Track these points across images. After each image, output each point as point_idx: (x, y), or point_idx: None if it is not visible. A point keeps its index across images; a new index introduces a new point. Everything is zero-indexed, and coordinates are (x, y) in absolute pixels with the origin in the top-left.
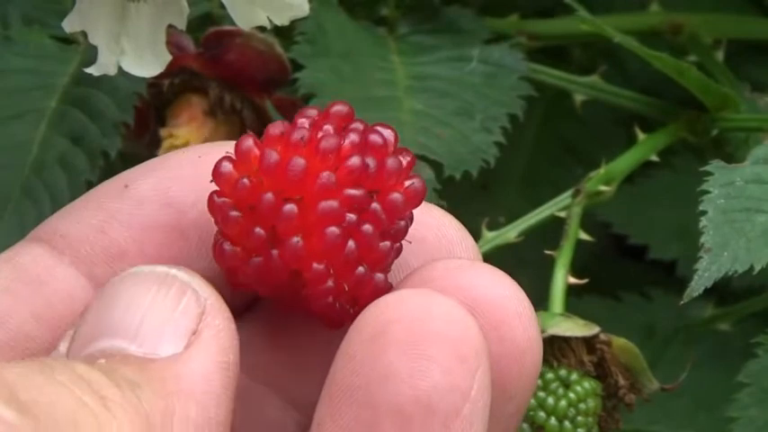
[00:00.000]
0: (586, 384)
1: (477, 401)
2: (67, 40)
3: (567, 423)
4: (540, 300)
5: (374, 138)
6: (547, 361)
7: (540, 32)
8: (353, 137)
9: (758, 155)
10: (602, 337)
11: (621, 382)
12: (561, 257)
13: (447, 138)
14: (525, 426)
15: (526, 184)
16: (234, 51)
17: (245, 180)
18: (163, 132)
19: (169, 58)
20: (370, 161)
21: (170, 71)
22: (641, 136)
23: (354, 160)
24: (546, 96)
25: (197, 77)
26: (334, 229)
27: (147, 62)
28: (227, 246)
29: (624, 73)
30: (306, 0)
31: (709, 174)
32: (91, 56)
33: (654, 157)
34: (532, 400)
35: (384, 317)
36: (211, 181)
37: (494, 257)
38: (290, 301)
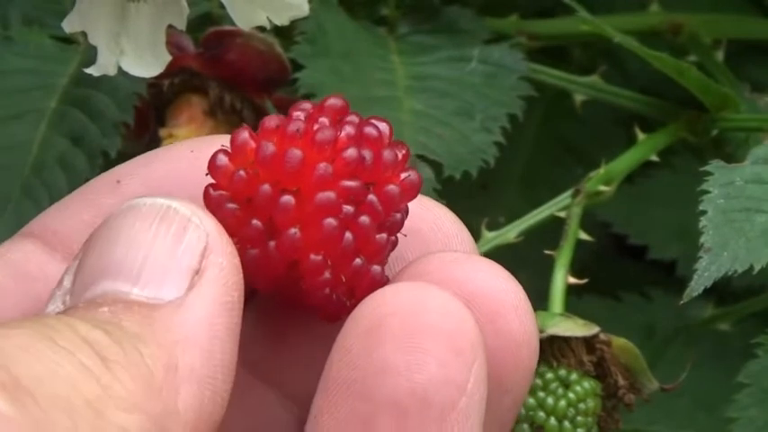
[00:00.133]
0: (586, 384)
1: (473, 394)
2: (67, 41)
3: (566, 423)
4: (539, 300)
5: (369, 130)
6: (546, 361)
7: (540, 32)
8: (349, 129)
9: (758, 155)
10: (602, 336)
11: (621, 382)
12: (561, 257)
13: (447, 138)
14: (525, 426)
15: (526, 184)
16: (234, 51)
17: (242, 172)
18: (163, 132)
19: (169, 58)
20: (366, 153)
21: (170, 71)
22: (641, 136)
23: (351, 152)
24: (546, 96)
25: (197, 77)
26: (331, 221)
27: (146, 62)
28: None
29: (624, 73)
30: (306, 0)
31: (708, 174)
32: (91, 56)
33: (654, 158)
34: (532, 400)
35: (380, 310)
36: (207, 174)
37: (493, 257)
38: (287, 294)
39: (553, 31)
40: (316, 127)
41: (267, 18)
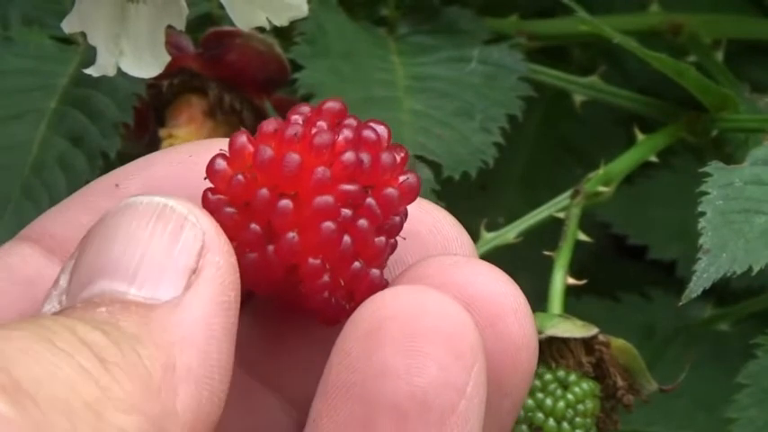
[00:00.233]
0: (585, 385)
1: (472, 398)
2: (67, 41)
3: (565, 424)
4: (538, 301)
5: (368, 133)
6: (545, 362)
7: (540, 33)
8: (347, 132)
9: (757, 156)
10: (601, 338)
11: (620, 382)
12: (560, 258)
13: (446, 138)
14: (524, 427)
15: (525, 185)
16: (233, 52)
17: (240, 176)
18: (162, 133)
19: (168, 58)
20: (365, 156)
21: (169, 72)
22: (641, 136)
23: (349, 155)
24: (546, 97)
25: (196, 78)
26: (329, 224)
27: (146, 63)
28: None
29: (624, 73)
30: (305, 0)
31: (708, 175)
32: (90, 56)
33: (653, 158)
34: (531, 401)
35: (380, 313)
36: (205, 178)
37: (492, 258)
38: (286, 298)
39: (553, 31)
40: (314, 131)
41: (266, 19)
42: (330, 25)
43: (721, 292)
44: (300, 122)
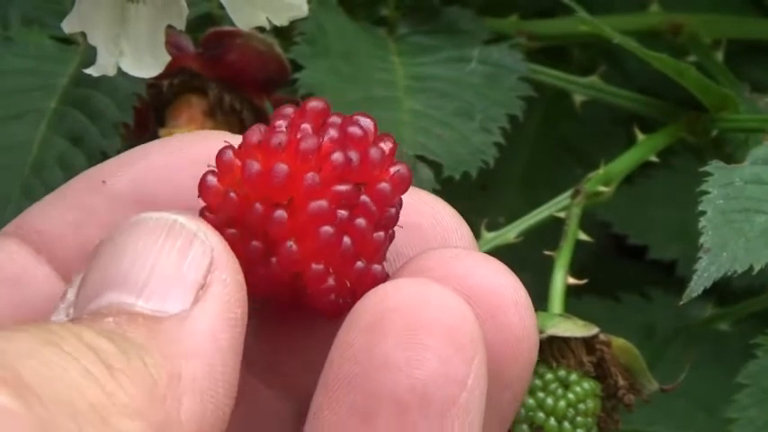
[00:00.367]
0: (586, 385)
1: (473, 390)
2: (67, 41)
3: (566, 424)
4: (539, 300)
5: (353, 130)
6: (546, 361)
7: (540, 33)
8: (332, 132)
9: (757, 155)
10: (602, 337)
11: (621, 382)
12: (560, 258)
13: (446, 138)
14: (524, 426)
15: (526, 185)
16: (233, 52)
17: (232, 194)
18: (162, 133)
19: (168, 58)
20: (353, 154)
21: (169, 72)
22: (641, 136)
23: (337, 156)
24: (546, 96)
25: (196, 78)
26: (327, 228)
27: (146, 63)
28: None
29: (624, 73)
30: (305, 1)
31: (708, 174)
32: (90, 56)
33: (653, 158)
34: (531, 401)
35: (381, 306)
36: (199, 196)
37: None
38: (292, 302)
39: (553, 31)
40: (299, 136)
41: (267, 18)
42: (330, 25)
43: (722, 292)
44: (284, 128)
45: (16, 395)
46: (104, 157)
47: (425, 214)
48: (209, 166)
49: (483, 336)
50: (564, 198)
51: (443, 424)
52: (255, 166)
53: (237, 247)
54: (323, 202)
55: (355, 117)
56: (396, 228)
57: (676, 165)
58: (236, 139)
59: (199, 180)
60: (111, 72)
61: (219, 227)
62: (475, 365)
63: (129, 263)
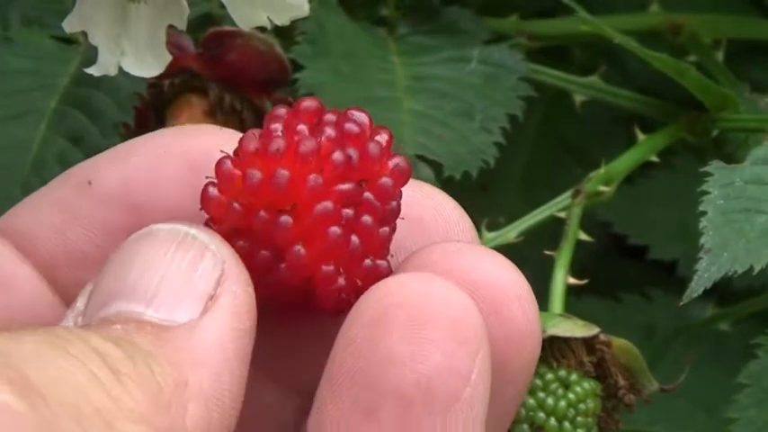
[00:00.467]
0: (586, 385)
1: (477, 385)
2: (68, 41)
3: (566, 424)
4: (539, 300)
5: (350, 127)
6: (546, 361)
7: (540, 33)
8: (329, 131)
9: (758, 155)
10: (602, 337)
11: (621, 382)
12: (561, 258)
13: (447, 138)
14: (525, 426)
15: (526, 185)
16: (234, 52)
17: (236, 204)
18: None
19: (169, 58)
20: (352, 152)
21: (170, 71)
22: (641, 136)
23: (337, 155)
24: (546, 96)
25: (197, 78)
26: (335, 229)
27: (147, 63)
28: None
29: (624, 73)
30: (306, 0)
31: (708, 174)
32: (91, 56)
33: (654, 158)
34: (532, 401)
35: (385, 300)
36: (201, 208)
37: None
38: (302, 303)
39: (553, 31)
40: (296, 138)
41: (267, 18)
42: (331, 25)
43: (722, 292)
44: (280, 131)
45: (21, 395)
46: None
47: (427, 207)
48: (207, 177)
49: (486, 331)
50: (564, 198)
51: (447, 419)
52: (256, 174)
53: (246, 257)
54: (328, 203)
55: (349, 112)
56: (398, 220)
57: (676, 165)
58: (222, 133)
59: (200, 192)
60: (112, 72)
61: (227, 237)
62: (479, 360)
63: (138, 273)
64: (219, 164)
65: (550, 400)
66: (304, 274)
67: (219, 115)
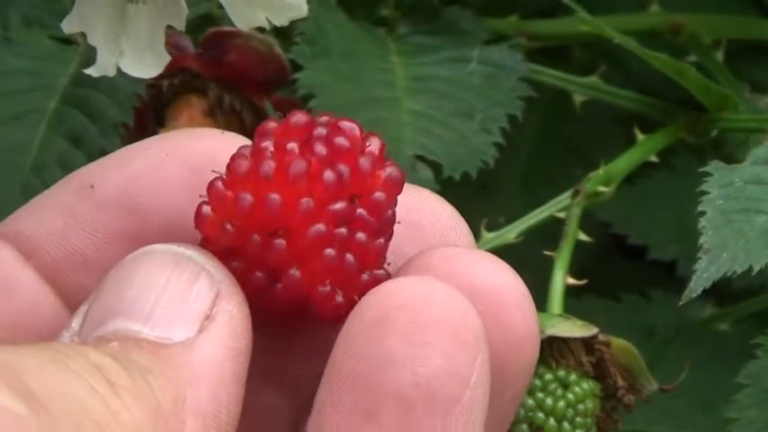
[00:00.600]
0: (585, 385)
1: (477, 388)
2: (67, 41)
3: (565, 424)
4: (538, 301)
5: (340, 141)
6: (545, 362)
7: (540, 33)
8: (320, 148)
9: (757, 155)
10: (601, 337)
11: (620, 382)
12: (560, 258)
13: (446, 138)
14: (524, 426)
15: (525, 185)
16: (233, 52)
17: (229, 226)
18: (162, 133)
19: (168, 58)
20: (343, 169)
21: (169, 72)
22: (641, 136)
23: (328, 175)
24: (546, 96)
25: (196, 78)
26: (330, 251)
27: (146, 63)
28: None
29: (624, 73)
30: (305, 1)
31: (708, 174)
32: (90, 57)
33: (653, 158)
34: (531, 401)
35: (385, 303)
36: (195, 227)
37: None
38: (299, 317)
39: (553, 31)
40: (286, 159)
41: (266, 19)
42: (330, 25)
43: (722, 292)
44: (270, 151)
45: (23, 401)
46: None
47: (424, 212)
48: (201, 196)
49: (486, 334)
50: (564, 198)
51: (447, 422)
52: (247, 198)
53: (241, 277)
54: (321, 226)
55: (339, 124)
56: (395, 223)
57: (676, 165)
58: (224, 137)
59: (194, 211)
60: (111, 72)
61: (222, 258)
62: (478, 363)
63: (135, 292)
64: (211, 185)
65: (549, 401)
66: (300, 295)
67: (219, 115)
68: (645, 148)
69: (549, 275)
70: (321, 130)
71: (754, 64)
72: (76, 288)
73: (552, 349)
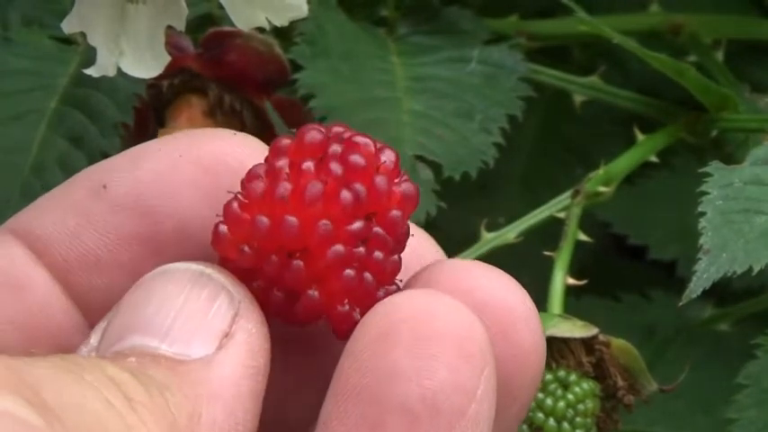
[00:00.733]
0: (585, 385)
1: (482, 401)
2: (67, 41)
3: (565, 424)
4: (538, 301)
5: (355, 159)
6: (545, 362)
7: (540, 33)
8: (335, 167)
9: (757, 156)
10: (601, 338)
11: (620, 383)
12: (560, 258)
13: (446, 138)
14: (524, 427)
15: (525, 185)
16: (233, 52)
17: (246, 248)
18: (162, 133)
19: (168, 58)
20: (359, 188)
21: (169, 72)
22: (641, 136)
23: (344, 195)
24: (546, 96)
25: (196, 78)
26: (349, 272)
27: (146, 63)
28: None
29: (624, 73)
30: (305, 1)
31: (708, 175)
32: (90, 57)
33: (653, 158)
34: None
35: (391, 317)
36: (213, 246)
37: (493, 258)
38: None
39: (553, 31)
40: (302, 182)
41: (266, 19)
42: (330, 26)
43: (722, 293)
44: (286, 171)
45: (38, 412)
46: (104, 157)
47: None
48: (217, 216)
49: (492, 348)
50: (564, 198)
51: None
52: (264, 221)
53: (260, 297)
54: (339, 247)
55: (354, 140)
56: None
57: (676, 165)
58: (236, 138)
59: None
60: (111, 72)
61: (241, 277)
62: (484, 377)
63: (154, 310)
64: (227, 207)
65: (549, 401)
66: (319, 314)
67: (219, 116)
68: (645, 148)
69: (549, 275)
70: (336, 148)
71: (754, 64)
72: (88, 289)
73: (552, 349)
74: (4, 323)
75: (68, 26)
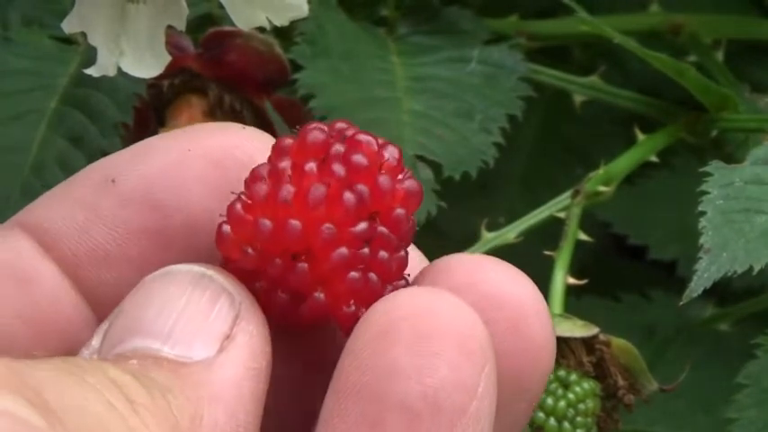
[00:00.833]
0: (585, 385)
1: (483, 399)
2: (67, 41)
3: (566, 423)
4: None
5: (358, 159)
6: None
7: (540, 33)
8: (338, 169)
9: (757, 155)
10: (602, 337)
11: (620, 382)
12: (560, 258)
13: (446, 138)
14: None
15: (526, 185)
16: (234, 52)
17: (250, 250)
18: (163, 132)
19: (168, 58)
20: (362, 189)
21: (170, 72)
22: (641, 136)
23: (348, 197)
24: (546, 96)
25: (197, 78)
26: (354, 274)
27: (146, 63)
28: None
29: (624, 73)
30: (305, 1)
31: (708, 174)
32: (91, 56)
33: (653, 158)
34: None
35: (391, 314)
36: (216, 247)
37: None
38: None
39: (553, 31)
40: (305, 184)
41: (267, 19)
42: (330, 25)
43: (722, 292)
44: (289, 173)
45: (40, 414)
46: (104, 156)
47: None
48: (220, 216)
49: (493, 345)
50: (564, 198)
51: None
52: (267, 224)
53: (264, 298)
54: (343, 250)
55: (356, 139)
56: None
57: (676, 165)
58: (244, 131)
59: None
60: (112, 72)
61: (244, 278)
62: (485, 374)
63: (155, 312)
64: (231, 208)
65: (550, 401)
66: (325, 315)
67: (219, 115)
68: (645, 148)
69: (549, 275)
70: (338, 148)
71: (754, 64)
72: (97, 284)
73: None
74: (11, 317)
75: (68, 26)
